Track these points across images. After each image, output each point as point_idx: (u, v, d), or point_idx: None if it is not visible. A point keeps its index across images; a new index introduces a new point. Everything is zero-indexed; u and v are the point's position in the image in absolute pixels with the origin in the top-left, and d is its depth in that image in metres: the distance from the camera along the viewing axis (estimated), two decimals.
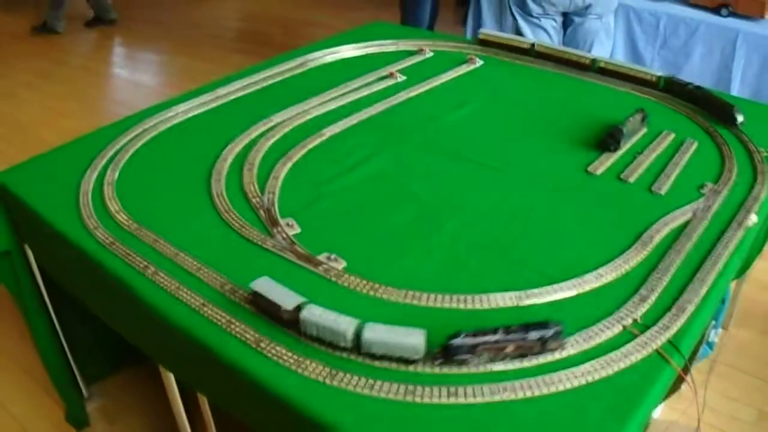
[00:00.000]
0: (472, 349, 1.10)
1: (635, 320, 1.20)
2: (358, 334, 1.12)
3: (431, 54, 2.42)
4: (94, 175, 1.68)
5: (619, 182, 1.64)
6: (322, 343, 1.15)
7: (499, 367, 1.11)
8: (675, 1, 3.56)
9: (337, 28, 2.71)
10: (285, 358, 1.13)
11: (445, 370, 1.11)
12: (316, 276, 1.33)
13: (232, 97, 2.10)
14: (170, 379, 1.46)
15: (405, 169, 1.73)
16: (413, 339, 1.10)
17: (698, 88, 1.92)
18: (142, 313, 1.31)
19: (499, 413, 1.04)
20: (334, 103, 2.03)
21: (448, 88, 2.17)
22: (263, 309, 1.21)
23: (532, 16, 2.99)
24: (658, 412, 1.73)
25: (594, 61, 2.20)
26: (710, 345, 2.19)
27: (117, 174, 1.69)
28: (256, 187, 1.62)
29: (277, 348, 1.15)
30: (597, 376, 1.09)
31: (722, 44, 3.34)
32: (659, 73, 2.06)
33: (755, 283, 2.53)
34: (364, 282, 1.30)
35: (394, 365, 1.12)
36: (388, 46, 2.47)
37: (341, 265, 1.36)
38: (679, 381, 1.25)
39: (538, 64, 2.32)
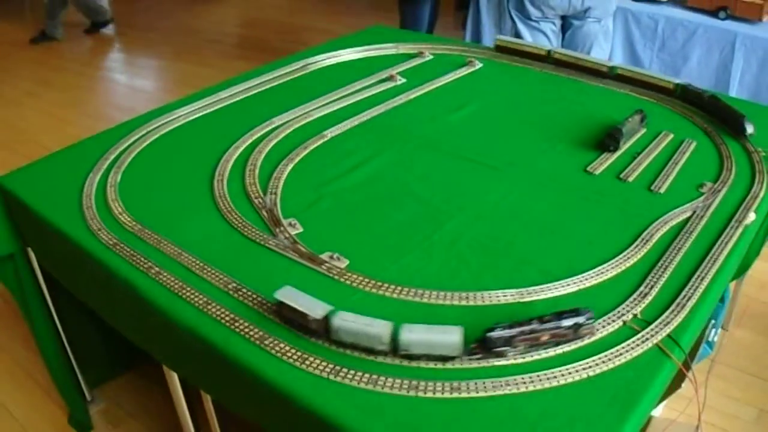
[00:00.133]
0: (510, 341, 1.12)
1: (635, 316, 1.21)
2: (394, 336, 1.12)
3: (431, 57, 2.43)
4: (97, 178, 1.69)
5: (619, 182, 1.66)
6: (356, 348, 1.15)
7: (512, 360, 1.12)
8: (673, 4, 3.58)
9: (337, 34, 2.72)
10: (289, 354, 1.14)
11: (449, 365, 1.12)
12: (319, 274, 1.34)
13: (234, 100, 2.11)
14: (174, 379, 1.46)
15: (406, 169, 1.74)
16: (452, 336, 1.11)
17: (713, 96, 1.91)
18: (146, 313, 1.32)
19: (501, 407, 1.05)
20: (335, 105, 2.05)
21: (448, 90, 2.18)
22: (287, 318, 1.20)
23: (531, 19, 3.00)
24: (658, 411, 1.73)
25: (612, 68, 2.20)
26: (710, 344, 2.20)
27: (120, 176, 1.70)
28: (259, 187, 1.63)
29: (281, 345, 1.16)
30: (598, 371, 1.10)
31: (721, 46, 3.35)
32: (677, 81, 2.05)
33: (755, 284, 2.54)
34: (367, 280, 1.31)
35: (387, 359, 1.13)
36: (388, 49, 2.49)
37: (344, 263, 1.37)
38: (679, 380, 1.26)
39: (537, 67, 2.33)
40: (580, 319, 1.14)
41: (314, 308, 1.16)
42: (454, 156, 1.79)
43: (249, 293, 1.28)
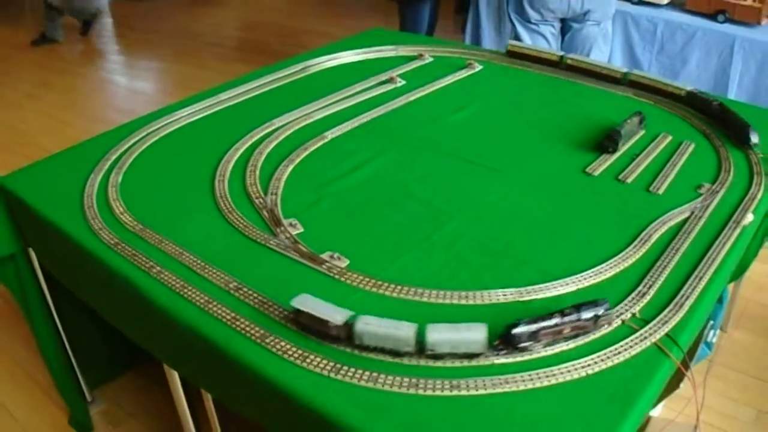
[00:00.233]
0: (534, 336, 1.13)
1: (634, 315, 1.22)
2: (420, 337, 1.13)
3: (431, 59, 2.44)
4: (99, 178, 1.70)
5: (618, 183, 1.66)
6: (381, 351, 1.15)
7: (512, 358, 1.13)
8: (672, 8, 3.59)
9: (336, 37, 2.73)
10: (290, 353, 1.15)
11: (449, 363, 1.12)
12: (320, 274, 1.35)
13: (235, 101, 2.12)
14: (175, 379, 1.47)
15: (405, 170, 1.75)
16: (477, 333, 1.12)
17: (722, 105, 1.90)
18: (147, 312, 1.33)
19: (500, 405, 1.06)
20: (335, 107, 2.06)
21: (448, 92, 2.19)
22: (305, 326, 1.19)
23: (530, 22, 3.01)
24: (657, 411, 1.74)
25: (625, 74, 2.19)
26: (709, 345, 2.20)
27: (121, 176, 1.71)
28: (259, 188, 1.64)
29: (282, 343, 1.16)
30: (597, 369, 1.11)
31: (719, 50, 3.36)
32: (688, 88, 2.05)
33: (753, 286, 2.55)
34: (367, 279, 1.32)
35: (388, 357, 1.14)
36: (387, 51, 2.50)
37: (344, 263, 1.38)
38: (677, 380, 1.27)
39: (537, 69, 2.34)
40: (599, 310, 1.17)
41: (334, 315, 1.15)
42: (453, 157, 1.80)
43: (250, 292, 1.29)
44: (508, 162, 1.77)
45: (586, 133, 1.89)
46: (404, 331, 1.12)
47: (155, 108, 2.07)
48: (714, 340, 2.24)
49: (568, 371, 1.10)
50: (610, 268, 1.35)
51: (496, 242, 1.45)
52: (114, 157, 1.80)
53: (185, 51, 5.63)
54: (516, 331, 1.12)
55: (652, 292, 1.28)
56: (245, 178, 1.68)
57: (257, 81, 2.24)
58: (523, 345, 1.14)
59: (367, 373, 1.11)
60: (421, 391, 1.07)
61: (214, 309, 1.25)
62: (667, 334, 1.17)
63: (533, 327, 1.13)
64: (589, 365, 1.12)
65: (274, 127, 1.93)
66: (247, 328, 1.20)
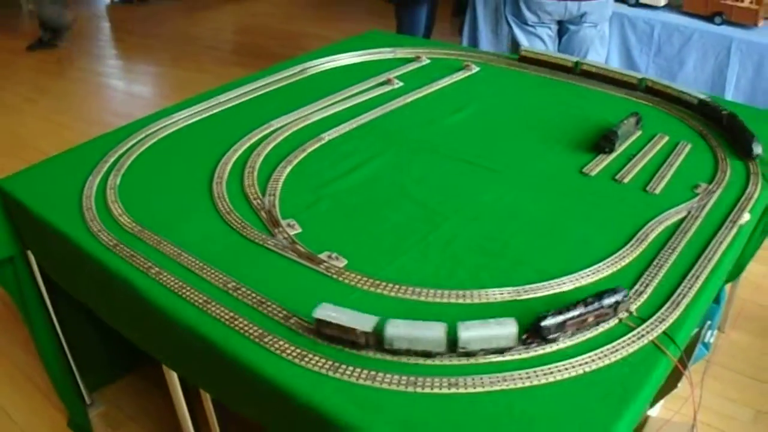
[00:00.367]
0: (561, 327, 1.15)
1: (631, 313, 1.22)
2: (452, 336, 1.13)
3: (428, 61, 2.45)
4: (97, 180, 1.70)
5: (614, 183, 1.67)
6: (413, 354, 1.14)
7: (504, 357, 1.14)
8: (669, 10, 3.59)
9: (333, 40, 2.74)
10: (288, 352, 1.15)
11: (446, 361, 1.13)
12: (318, 273, 1.35)
13: (232, 103, 2.13)
14: (174, 379, 1.47)
15: (403, 171, 1.75)
16: (508, 328, 1.13)
17: (731, 114, 1.89)
18: (146, 313, 1.33)
19: (498, 403, 1.06)
20: (332, 109, 2.06)
21: (445, 93, 2.20)
22: (328, 335, 1.18)
23: (527, 24, 3.01)
24: (655, 411, 1.74)
25: (642, 80, 2.17)
26: (706, 345, 2.21)
27: (120, 178, 1.71)
28: (257, 189, 1.64)
29: (280, 342, 1.17)
30: (594, 367, 1.11)
31: (716, 52, 3.37)
32: (701, 96, 2.05)
33: (749, 286, 2.56)
34: (365, 279, 1.32)
35: (388, 357, 1.14)
36: (385, 53, 2.51)
37: (342, 263, 1.38)
38: (675, 380, 1.27)
39: (534, 70, 2.35)
40: (619, 297, 1.19)
41: (361, 322, 1.15)
42: (450, 158, 1.80)
43: (248, 292, 1.29)
44: (506, 162, 1.78)
45: (583, 133, 1.90)
46: (435, 332, 1.12)
47: (153, 111, 2.08)
48: (711, 340, 2.25)
49: (566, 369, 1.11)
50: (607, 267, 1.35)
51: (493, 242, 1.46)
52: (112, 160, 1.80)
53: (183, 55, 5.64)
54: (545, 323, 1.14)
55: (649, 290, 1.28)
56: (243, 180, 1.68)
57: (255, 83, 2.25)
58: (552, 336, 1.15)
59: (365, 371, 1.11)
60: (419, 389, 1.08)
61: (213, 309, 1.25)
62: (664, 332, 1.18)
63: (560, 318, 1.15)
64: (586, 363, 1.12)
65: (272, 129, 1.94)
66: (246, 328, 1.20)
